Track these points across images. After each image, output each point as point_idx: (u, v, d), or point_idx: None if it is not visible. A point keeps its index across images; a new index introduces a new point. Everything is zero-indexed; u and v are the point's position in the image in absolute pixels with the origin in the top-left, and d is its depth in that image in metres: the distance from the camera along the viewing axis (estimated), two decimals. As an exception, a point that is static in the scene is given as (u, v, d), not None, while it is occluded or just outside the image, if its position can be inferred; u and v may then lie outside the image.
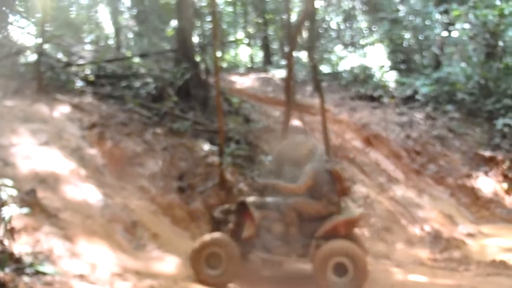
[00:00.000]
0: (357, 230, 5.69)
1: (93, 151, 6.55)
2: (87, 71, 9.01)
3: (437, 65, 12.65)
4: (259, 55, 18.79)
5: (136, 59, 9.91)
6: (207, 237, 5.00)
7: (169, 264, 5.12)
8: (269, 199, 5.20)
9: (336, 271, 4.67)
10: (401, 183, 9.08)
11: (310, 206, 5.01)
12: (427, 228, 7.64)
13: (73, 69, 8.99)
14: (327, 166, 5.33)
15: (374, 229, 7.16)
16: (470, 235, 7.66)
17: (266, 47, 17.43)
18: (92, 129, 6.99)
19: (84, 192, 5.52)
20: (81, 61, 9.60)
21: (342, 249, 4.71)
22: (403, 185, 9.04)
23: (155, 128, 7.60)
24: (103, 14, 16.03)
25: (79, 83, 8.43)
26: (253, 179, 6.30)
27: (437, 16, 12.70)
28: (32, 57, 8.54)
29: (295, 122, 9.09)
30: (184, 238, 5.91)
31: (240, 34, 18.69)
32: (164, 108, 8.00)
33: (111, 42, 14.81)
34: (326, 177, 5.14)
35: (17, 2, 11.12)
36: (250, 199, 5.23)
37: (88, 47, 11.09)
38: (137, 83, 8.79)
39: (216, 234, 4.99)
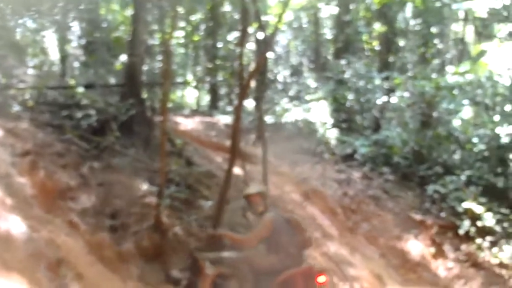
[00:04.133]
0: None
1: (22, 180, 6.15)
2: (27, 96, 8.63)
3: (377, 128, 13.23)
4: (206, 99, 18.88)
5: (81, 89, 9.62)
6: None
7: (92, 308, 4.80)
8: (223, 253, 4.86)
9: None
10: (335, 240, 9.17)
11: (263, 260, 4.66)
12: (357, 286, 7.71)
13: (12, 92, 8.59)
14: (286, 216, 4.99)
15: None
16: (397, 296, 7.80)
17: (213, 92, 17.56)
18: (25, 157, 6.59)
19: (8, 223, 5.13)
20: (21, 85, 9.20)
21: None
22: (337, 241, 9.14)
23: (92, 162, 7.30)
24: (50, 40, 15.62)
25: (16, 108, 8.03)
26: (206, 231, 5.91)
27: (379, 81, 13.38)
28: (-32, 75, 8.10)
29: (237, 170, 9.07)
30: (112, 281, 5.59)
31: (189, 76, 18.77)
32: (105, 142, 7.75)
33: (55, 69, 14.38)
34: (285, 227, 4.79)
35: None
36: (203, 254, 4.89)
37: (30, 71, 10.70)
38: (79, 114, 8.47)
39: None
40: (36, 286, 4.58)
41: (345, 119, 13.88)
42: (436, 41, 15.94)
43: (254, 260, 4.66)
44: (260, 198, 4.97)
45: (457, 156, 11.87)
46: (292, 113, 14.29)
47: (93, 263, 5.74)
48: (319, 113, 13.76)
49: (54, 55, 15.41)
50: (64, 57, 13.94)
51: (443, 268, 9.49)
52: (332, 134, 12.99)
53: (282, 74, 19.30)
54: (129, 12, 12.31)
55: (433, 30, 15.56)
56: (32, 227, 5.35)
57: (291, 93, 17.37)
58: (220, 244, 5.10)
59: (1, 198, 5.47)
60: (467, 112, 12.45)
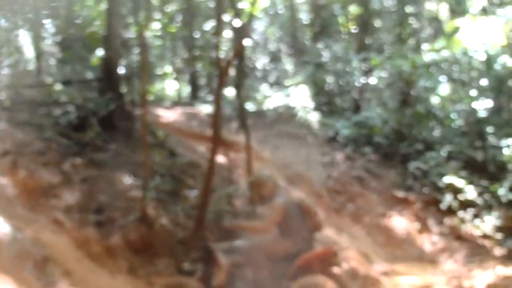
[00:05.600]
0: (337, 269, 5.31)
1: (3, 180, 6.13)
2: (3, 95, 8.53)
3: (357, 109, 13.35)
4: (186, 90, 18.79)
5: (58, 86, 9.53)
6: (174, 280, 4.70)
7: (82, 303, 4.82)
8: (236, 242, 4.86)
9: None
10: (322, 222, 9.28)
11: (278, 245, 4.69)
12: (345, 266, 7.82)
13: (-13, 93, 8.49)
14: (295, 200, 5.06)
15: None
16: (384, 273, 7.94)
17: (193, 82, 17.48)
18: (5, 157, 6.56)
19: (-9, 224, 5.12)
20: (-4, 85, 9.10)
21: (309, 285, 4.36)
22: (324, 223, 9.25)
23: (74, 158, 7.27)
24: (24, 38, 15.36)
25: (-8, 108, 7.96)
26: (220, 223, 5.90)
27: (357, 63, 13.47)
28: None
29: (220, 158, 9.10)
30: (101, 275, 5.61)
31: (168, 68, 18.64)
32: (86, 138, 7.71)
33: (31, 67, 14.18)
34: (296, 211, 4.85)
35: None
36: (216, 244, 4.88)
37: (6, 70, 10.56)
38: (57, 111, 8.42)
39: (185, 280, 4.65)
40: (23, 285, 4.58)
41: (325, 102, 13.97)
42: (411, 20, 16.03)
43: (268, 246, 4.66)
44: (264, 185, 4.98)
45: (436, 133, 12.05)
46: (273, 99, 14.32)
47: (81, 259, 5.75)
48: (300, 98, 13.82)
49: (29, 53, 15.18)
50: (39, 55, 13.74)
51: (428, 242, 9.68)
52: (314, 118, 13.08)
53: (260, 61, 19.29)
54: (103, 6, 12.14)
55: (408, 9, 15.65)
56: (16, 226, 5.34)
57: (271, 79, 17.39)
58: (232, 234, 5.08)
59: (-17, 200, 5.44)
60: (444, 88, 12.59)
